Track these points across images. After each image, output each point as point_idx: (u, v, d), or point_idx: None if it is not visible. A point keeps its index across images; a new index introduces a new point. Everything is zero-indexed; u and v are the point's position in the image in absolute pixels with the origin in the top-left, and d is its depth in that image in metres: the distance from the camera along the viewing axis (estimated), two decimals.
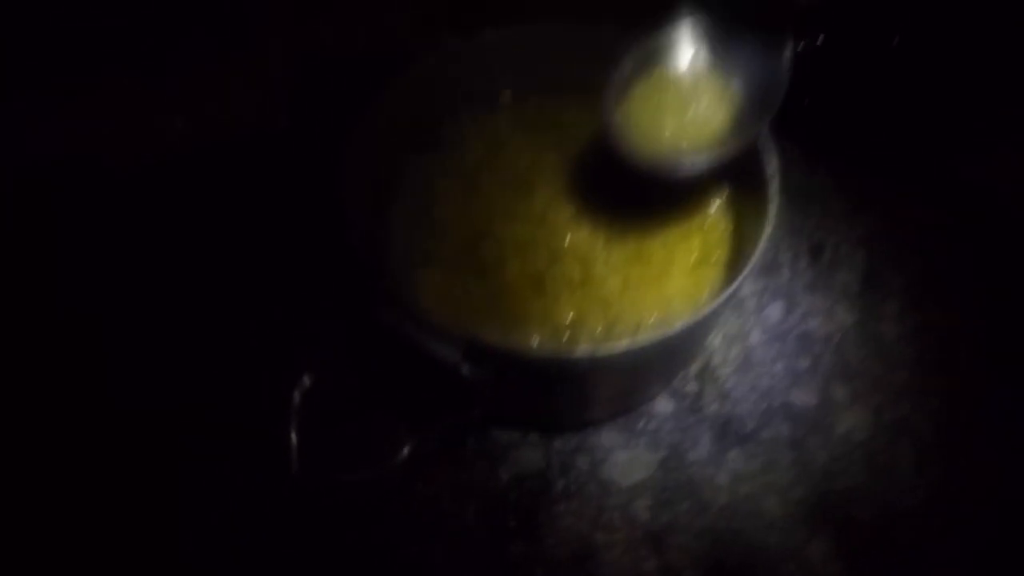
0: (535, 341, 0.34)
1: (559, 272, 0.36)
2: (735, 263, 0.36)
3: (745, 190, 0.37)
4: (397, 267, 0.36)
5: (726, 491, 0.38)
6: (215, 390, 0.39)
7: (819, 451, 0.39)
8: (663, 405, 0.39)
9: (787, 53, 0.32)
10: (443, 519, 0.35)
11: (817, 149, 0.50)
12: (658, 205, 0.38)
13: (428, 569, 0.35)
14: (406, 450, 0.32)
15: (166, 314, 0.43)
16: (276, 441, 0.29)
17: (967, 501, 0.38)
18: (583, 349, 0.31)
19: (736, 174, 0.37)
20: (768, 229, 0.31)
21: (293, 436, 0.30)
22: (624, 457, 0.38)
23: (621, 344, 0.29)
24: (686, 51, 0.34)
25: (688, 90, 0.33)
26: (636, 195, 0.37)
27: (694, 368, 0.40)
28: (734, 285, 0.31)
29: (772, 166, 0.34)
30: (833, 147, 0.50)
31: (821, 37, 0.48)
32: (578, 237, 0.37)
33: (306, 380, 0.30)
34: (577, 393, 0.35)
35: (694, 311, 0.32)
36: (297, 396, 0.30)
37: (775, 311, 0.43)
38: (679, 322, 0.31)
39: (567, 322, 0.35)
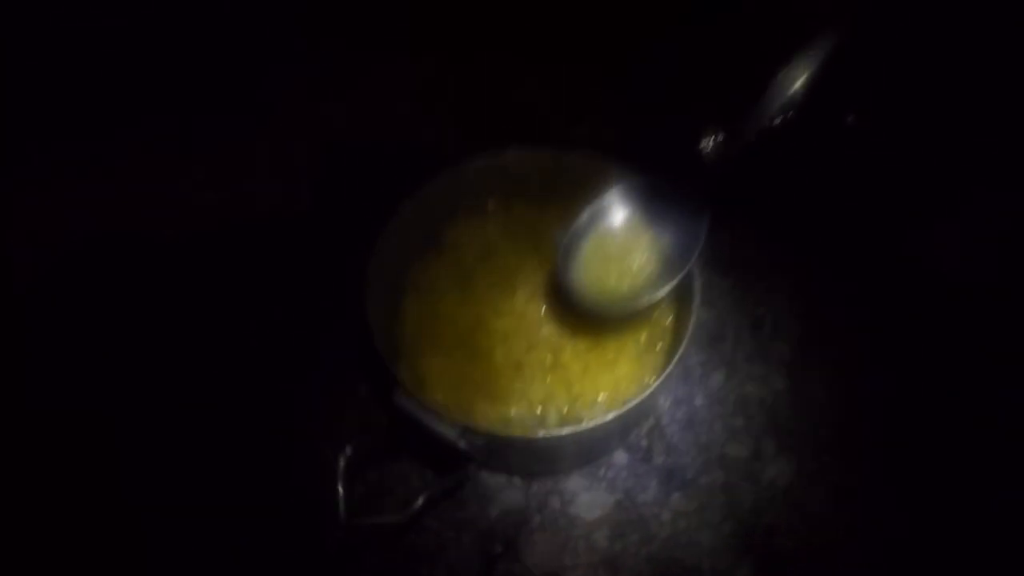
0: (514, 413, 0.45)
1: (535, 358, 0.46)
2: (675, 350, 0.45)
3: (681, 294, 0.46)
4: (408, 353, 0.46)
5: (669, 526, 0.47)
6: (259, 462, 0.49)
7: (748, 494, 0.48)
8: (619, 457, 0.48)
9: (704, 213, 0.41)
10: (445, 546, 0.45)
11: (767, 227, 0.57)
12: None
13: None
14: (420, 499, 0.42)
15: (210, 389, 0.51)
16: (324, 495, 0.40)
17: (877, 538, 0.46)
18: (545, 432, 0.41)
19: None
20: (684, 344, 0.41)
21: (340, 490, 0.40)
22: (587, 498, 0.47)
23: (566, 430, 0.39)
24: (624, 212, 0.43)
25: (626, 244, 0.43)
26: None
27: (646, 426, 0.49)
28: (662, 377, 0.41)
29: (697, 288, 0.43)
30: (781, 226, 0.57)
31: (779, 119, 0.56)
32: (550, 329, 0.47)
33: (348, 450, 0.41)
34: (547, 456, 0.45)
35: (638, 392, 0.41)
36: (342, 461, 0.40)
37: (717, 378, 0.51)
38: (624, 403, 0.40)
39: (540, 398, 0.45)
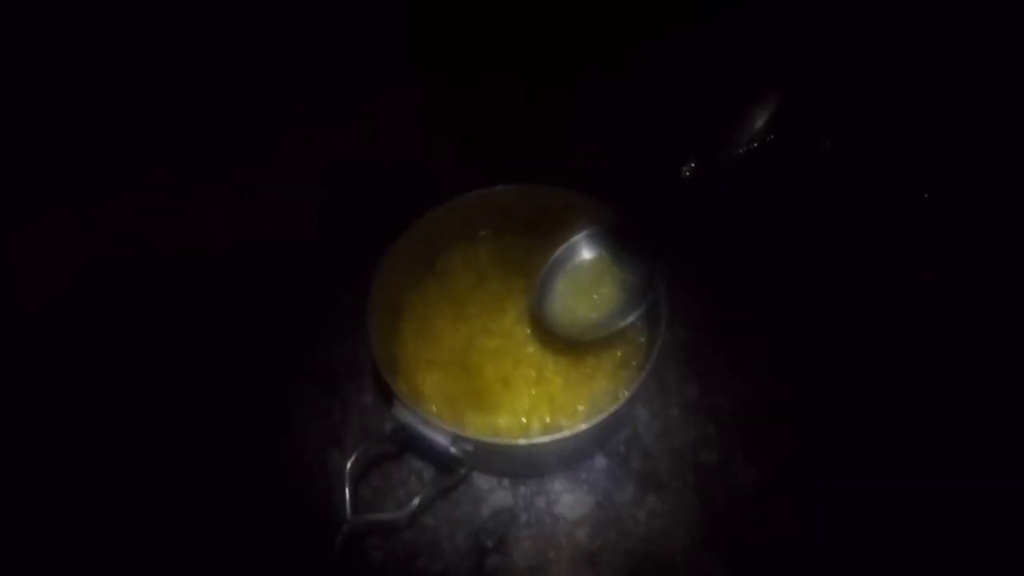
0: (502, 423, 0.49)
1: (521, 374, 0.51)
2: (647, 366, 0.50)
3: (653, 317, 0.50)
4: (406, 369, 0.51)
5: (644, 525, 0.51)
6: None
7: (719, 496, 0.52)
8: (599, 462, 0.53)
9: (663, 253, 0.46)
10: (441, 542, 0.50)
11: (739, 248, 0.61)
12: None
13: None
14: (417, 500, 0.47)
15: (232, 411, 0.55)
16: (332, 495, 0.45)
17: (841, 533, 0.50)
18: (527, 440, 0.45)
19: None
20: (651, 361, 0.45)
21: (347, 492, 0.45)
22: (570, 499, 0.52)
23: (548, 438, 0.44)
24: (593, 251, 0.48)
25: (595, 278, 0.48)
26: None
27: (624, 434, 0.54)
28: (632, 390, 0.45)
29: (663, 313, 0.47)
30: (753, 246, 0.61)
31: (752, 147, 0.55)
32: (535, 348, 0.51)
33: (354, 455, 0.46)
34: (531, 461, 0.50)
35: (612, 405, 0.46)
36: (349, 465, 0.46)
37: (692, 390, 0.56)
38: (598, 416, 0.45)
39: (526, 410, 0.50)
